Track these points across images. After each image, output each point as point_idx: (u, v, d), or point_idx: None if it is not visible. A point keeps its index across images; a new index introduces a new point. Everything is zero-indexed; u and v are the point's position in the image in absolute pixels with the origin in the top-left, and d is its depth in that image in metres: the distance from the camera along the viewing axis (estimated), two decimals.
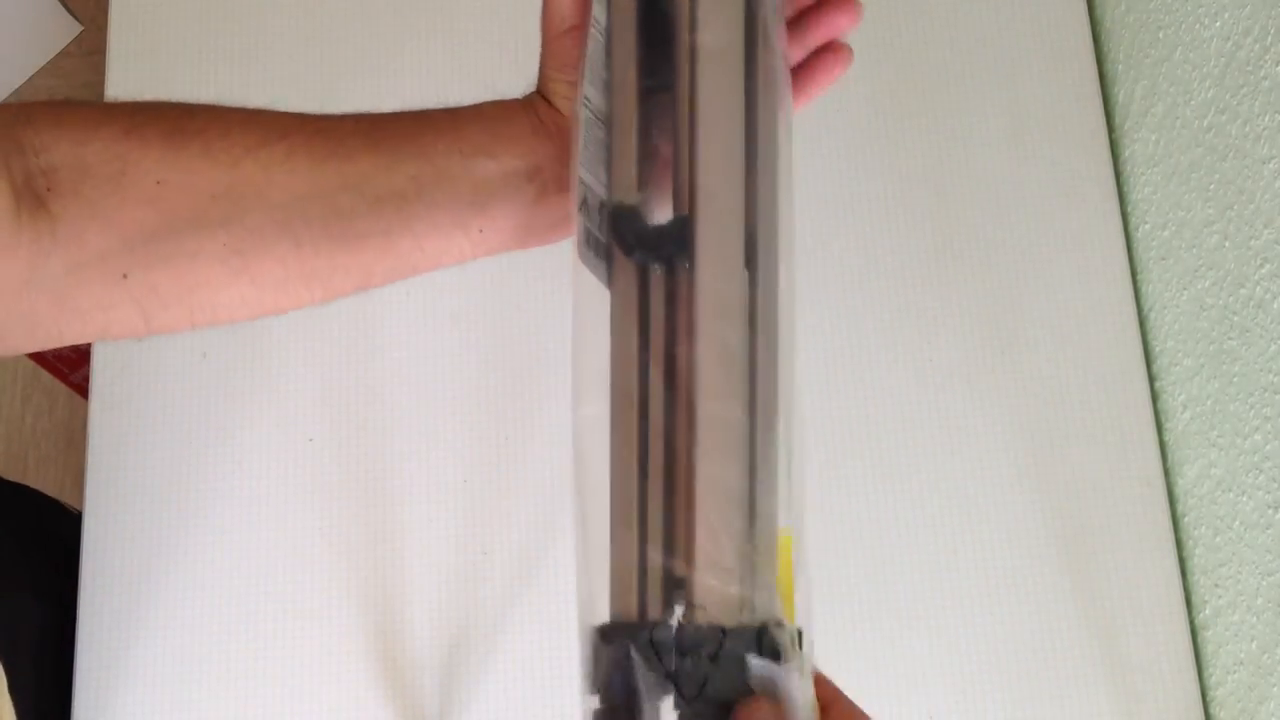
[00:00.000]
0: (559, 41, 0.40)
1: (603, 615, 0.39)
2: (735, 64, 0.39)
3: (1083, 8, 0.70)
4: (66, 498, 0.71)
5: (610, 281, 0.39)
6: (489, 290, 0.66)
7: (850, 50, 0.41)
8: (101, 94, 0.70)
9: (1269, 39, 0.51)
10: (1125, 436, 0.64)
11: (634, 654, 0.38)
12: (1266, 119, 0.52)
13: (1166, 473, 0.63)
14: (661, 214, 0.40)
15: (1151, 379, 0.65)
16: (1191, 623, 0.61)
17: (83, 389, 1.26)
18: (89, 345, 0.66)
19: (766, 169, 0.39)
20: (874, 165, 0.68)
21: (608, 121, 0.40)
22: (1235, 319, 0.56)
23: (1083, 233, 0.67)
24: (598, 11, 0.39)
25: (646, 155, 0.40)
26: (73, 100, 0.39)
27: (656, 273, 0.38)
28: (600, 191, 0.40)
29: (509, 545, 0.63)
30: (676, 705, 0.37)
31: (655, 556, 0.38)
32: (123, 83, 0.71)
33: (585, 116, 0.39)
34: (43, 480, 1.32)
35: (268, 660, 0.61)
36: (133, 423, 0.65)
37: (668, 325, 0.38)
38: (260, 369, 0.65)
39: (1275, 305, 0.52)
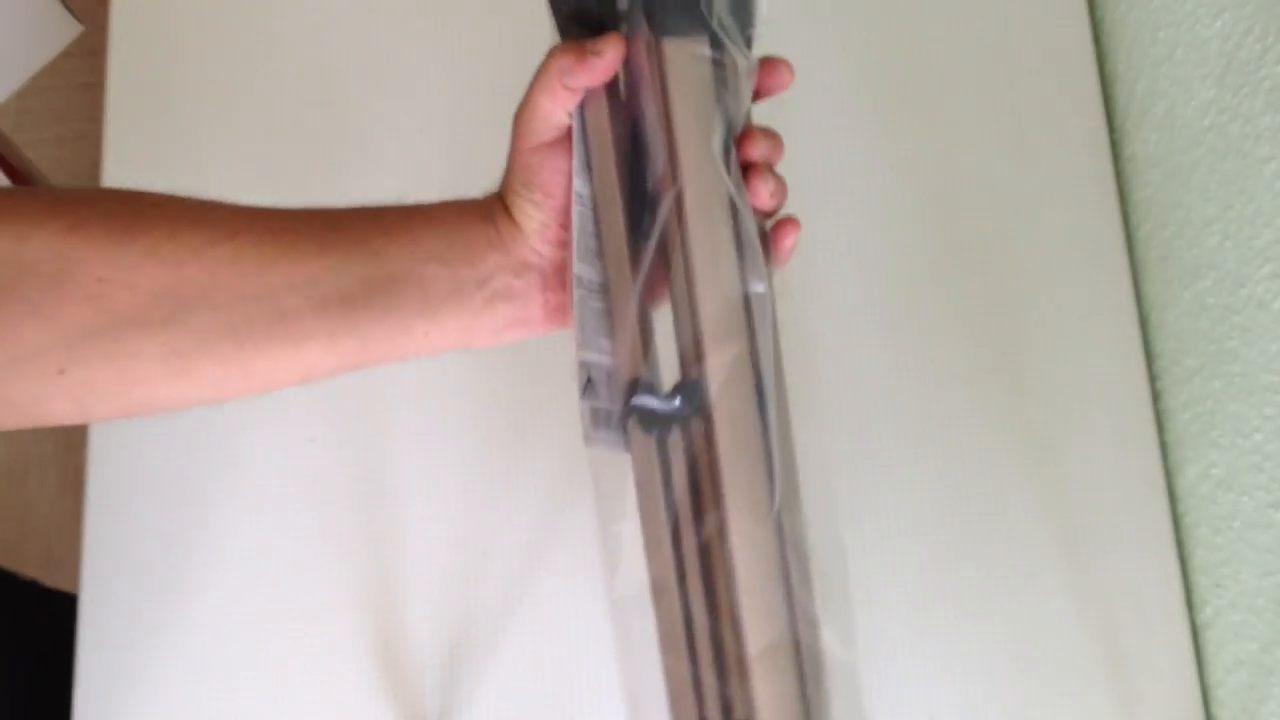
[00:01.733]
0: (530, 156, 0.40)
1: None
2: (722, 220, 0.39)
3: (1083, 8, 0.70)
4: (66, 498, 0.71)
5: (629, 448, 0.40)
6: None
7: (798, 223, 0.42)
8: (101, 94, 0.70)
9: (1269, 39, 0.51)
10: (1125, 436, 0.64)
11: None
12: (1266, 119, 0.52)
13: (1166, 473, 0.63)
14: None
15: (1152, 379, 0.65)
16: (1191, 623, 0.61)
17: None
18: None
19: (761, 315, 0.39)
20: (874, 165, 0.68)
21: (603, 291, 0.40)
22: (1236, 319, 0.55)
23: (1083, 233, 0.67)
24: (579, 186, 0.40)
25: (645, 318, 0.40)
26: (17, 189, 0.38)
27: (674, 438, 0.39)
28: (604, 364, 0.41)
29: (509, 546, 0.63)
30: None
31: (716, 709, 0.39)
32: (123, 83, 0.71)
33: (579, 295, 0.40)
34: (43, 480, 1.32)
35: (267, 660, 0.61)
36: (133, 423, 0.65)
37: (691, 480, 0.39)
38: None
39: (1276, 305, 0.52)
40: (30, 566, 0.76)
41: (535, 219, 0.40)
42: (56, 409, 0.38)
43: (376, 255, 0.40)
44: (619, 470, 0.40)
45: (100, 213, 0.37)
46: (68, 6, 1.43)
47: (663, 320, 0.40)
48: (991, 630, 0.61)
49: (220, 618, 0.62)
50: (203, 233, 0.38)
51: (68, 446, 1.34)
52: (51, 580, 0.76)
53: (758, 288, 0.39)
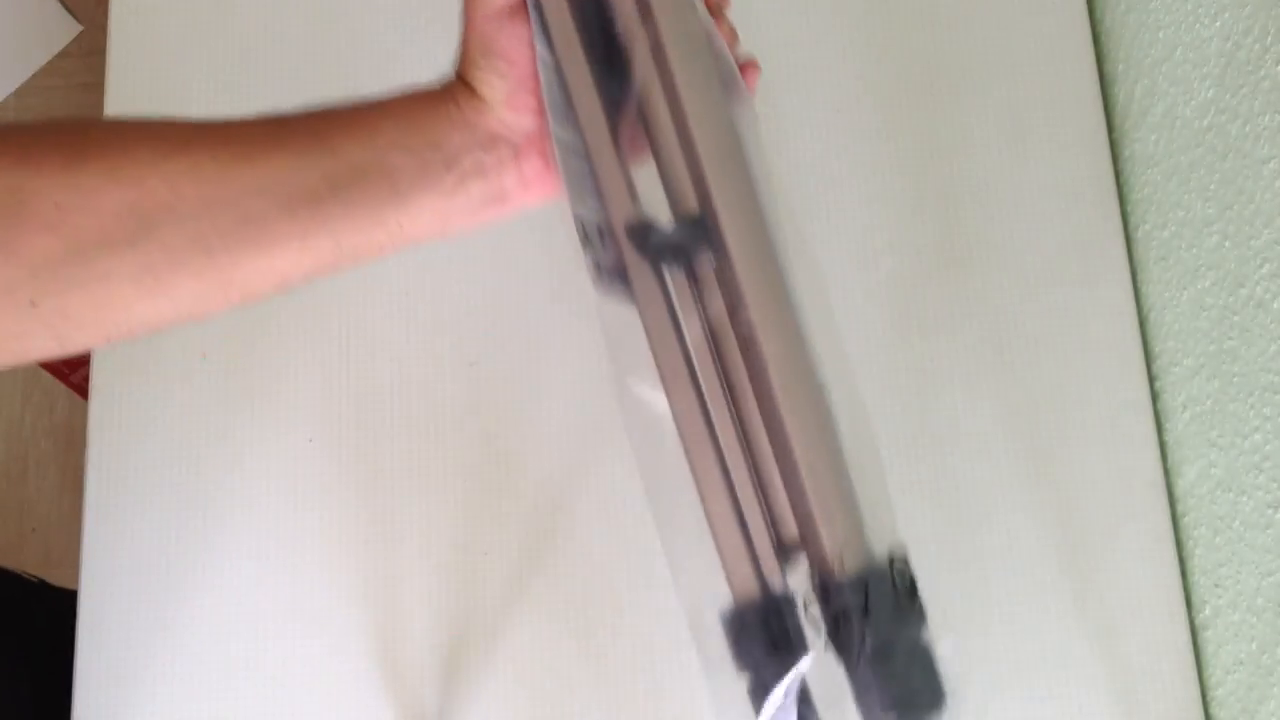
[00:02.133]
0: (486, 24, 0.39)
1: (724, 601, 0.39)
2: (703, 53, 0.40)
3: (1083, 8, 0.70)
4: (66, 498, 0.71)
5: (635, 297, 0.40)
6: (490, 291, 0.66)
7: (759, 66, 0.42)
8: (101, 94, 0.70)
9: (1269, 39, 0.51)
10: (1125, 436, 0.64)
11: (784, 624, 0.39)
12: (1266, 119, 0.52)
13: (1166, 473, 0.63)
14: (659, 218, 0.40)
15: (1151, 379, 0.65)
16: (1191, 623, 0.61)
17: (83, 389, 1.26)
18: None
19: (754, 148, 0.40)
20: (873, 165, 0.68)
21: (583, 151, 0.40)
22: (1235, 319, 0.55)
23: (1083, 233, 0.67)
24: (541, 50, 0.39)
25: (627, 169, 0.40)
26: None
27: (677, 276, 0.39)
28: (596, 218, 0.40)
29: (509, 546, 0.63)
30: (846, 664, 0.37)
31: (763, 532, 0.39)
32: (123, 83, 0.71)
33: (562, 156, 0.39)
34: (42, 480, 1.32)
35: (267, 660, 0.61)
36: (133, 423, 0.65)
37: (701, 315, 0.39)
38: (260, 369, 0.65)
39: (1275, 305, 0.52)
40: (30, 566, 0.76)
41: (499, 89, 0.39)
42: (36, 343, 0.37)
43: (335, 150, 0.39)
44: (630, 320, 0.39)
45: (49, 142, 0.37)
46: (67, 6, 1.43)
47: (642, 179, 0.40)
48: (991, 631, 0.61)
49: (220, 617, 0.62)
50: (157, 148, 0.37)
51: (68, 446, 1.34)
52: (51, 580, 0.76)
53: (747, 118, 0.39)
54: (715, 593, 0.40)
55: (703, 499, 0.40)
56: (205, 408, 0.65)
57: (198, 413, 0.65)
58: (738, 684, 0.40)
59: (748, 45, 0.70)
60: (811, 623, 0.39)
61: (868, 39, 0.70)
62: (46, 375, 1.27)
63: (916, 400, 0.64)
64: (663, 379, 0.40)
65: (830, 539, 0.38)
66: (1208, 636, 0.60)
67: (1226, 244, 0.56)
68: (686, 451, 0.40)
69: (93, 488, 0.64)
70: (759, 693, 0.39)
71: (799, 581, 0.39)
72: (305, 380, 0.65)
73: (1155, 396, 0.64)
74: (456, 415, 0.64)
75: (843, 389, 0.40)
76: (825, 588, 0.38)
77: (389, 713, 0.60)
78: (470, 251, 0.67)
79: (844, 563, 0.38)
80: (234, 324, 0.66)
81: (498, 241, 0.67)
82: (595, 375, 0.65)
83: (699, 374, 0.39)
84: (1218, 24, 0.55)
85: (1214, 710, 0.60)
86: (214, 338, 0.66)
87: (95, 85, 0.69)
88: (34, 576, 0.74)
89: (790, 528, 0.39)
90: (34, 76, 1.44)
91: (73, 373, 1.26)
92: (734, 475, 0.40)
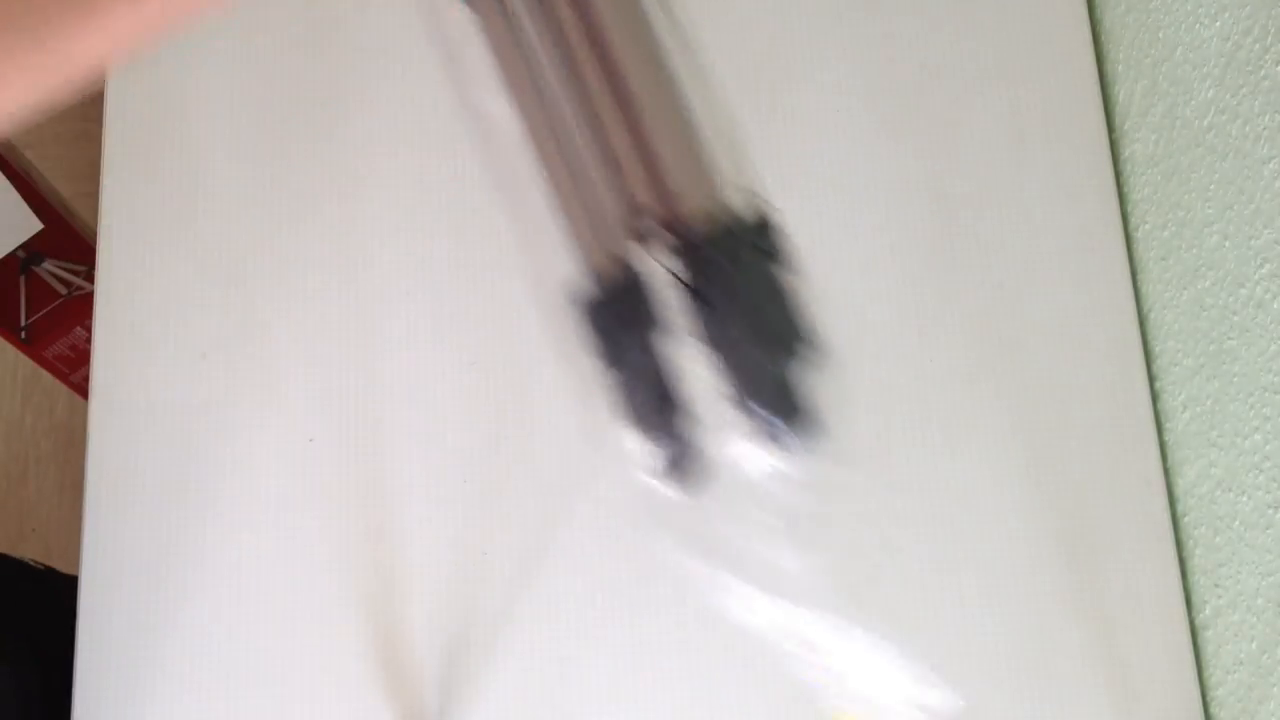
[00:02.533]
0: None
1: (579, 283, 0.38)
2: None
3: (1083, 8, 0.70)
4: (66, 498, 0.71)
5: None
6: (490, 291, 0.66)
7: None
8: (101, 94, 0.70)
9: (1269, 39, 0.51)
10: (1125, 436, 0.64)
11: (641, 295, 0.37)
12: (1266, 119, 0.52)
13: (1166, 473, 0.63)
14: None
15: (1151, 379, 0.65)
16: (1191, 623, 0.61)
17: (83, 389, 1.26)
18: (89, 345, 0.66)
19: None
20: (873, 165, 0.68)
21: None
22: (1235, 319, 0.55)
23: (1083, 233, 0.67)
24: None
25: None
26: None
27: None
28: None
29: (509, 546, 0.63)
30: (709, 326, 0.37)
31: (616, 200, 0.38)
32: (123, 82, 0.71)
33: None
34: (42, 480, 1.32)
35: (267, 660, 0.61)
36: (133, 423, 0.65)
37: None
38: (260, 369, 0.65)
39: (1275, 305, 0.52)
40: None
41: None
42: None
43: None
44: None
45: None
46: None
47: None
48: (991, 630, 0.61)
49: (220, 618, 0.62)
50: None
51: (68, 446, 1.34)
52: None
53: None
54: (569, 276, 0.38)
55: (548, 180, 0.39)
56: (205, 408, 0.65)
57: (198, 413, 0.65)
58: (598, 369, 0.39)
59: (748, 44, 0.70)
60: (669, 279, 0.38)
61: (868, 39, 0.70)
62: (46, 375, 1.27)
63: (917, 400, 0.64)
64: (502, 72, 0.39)
65: (683, 192, 0.37)
66: (1208, 636, 0.60)
67: (1226, 244, 0.56)
68: (527, 135, 0.39)
69: (93, 488, 0.64)
70: (617, 368, 0.38)
71: (656, 248, 0.38)
72: (305, 380, 0.65)
73: (1155, 396, 0.64)
74: (456, 415, 0.64)
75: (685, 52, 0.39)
76: (682, 241, 0.37)
77: (389, 713, 0.60)
78: (471, 251, 0.67)
79: (699, 214, 0.37)
80: (234, 324, 0.66)
81: (498, 241, 0.67)
82: (595, 375, 0.65)
83: (541, 62, 0.38)
84: (1218, 24, 0.55)
85: (1214, 710, 0.60)
86: (214, 338, 0.66)
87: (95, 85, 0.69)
88: (40, 564, 0.74)
89: (643, 194, 0.38)
90: None
91: (73, 373, 1.26)
92: (579, 151, 0.38)
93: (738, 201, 0.38)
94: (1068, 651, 0.61)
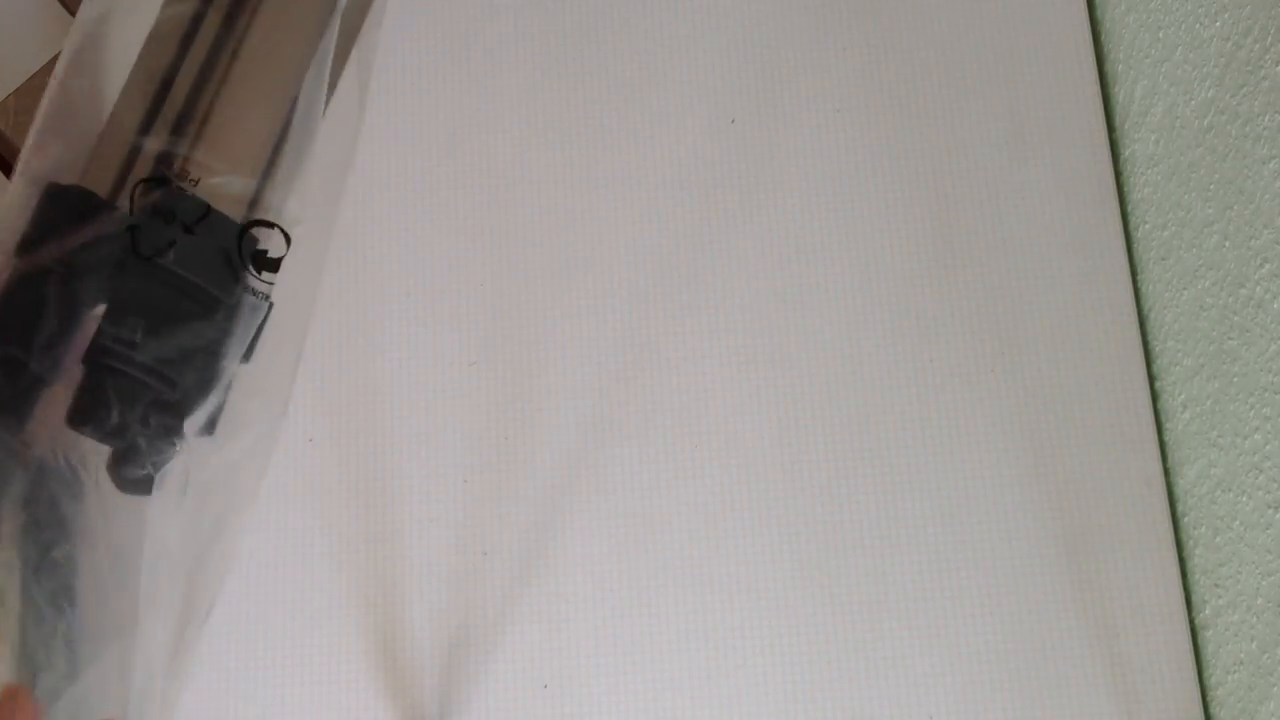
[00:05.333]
0: None
1: (69, 177, 0.37)
2: None
3: (1083, 8, 0.70)
4: None
5: None
6: (490, 291, 0.66)
7: None
8: None
9: (1269, 39, 0.51)
10: (1125, 436, 0.64)
11: (97, 207, 0.36)
12: (1266, 119, 0.52)
13: (1166, 473, 0.63)
14: None
15: (1151, 379, 0.65)
16: (1191, 623, 0.61)
17: None
18: None
19: None
20: (873, 165, 0.68)
21: None
22: (1235, 319, 0.55)
23: (1083, 233, 0.67)
24: None
25: None
26: None
27: None
28: None
29: (509, 546, 0.63)
30: (130, 258, 0.35)
31: (162, 134, 0.36)
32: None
33: None
34: None
35: (267, 660, 0.61)
36: None
37: None
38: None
39: (1275, 305, 0.52)
40: None
41: None
42: None
43: None
44: None
45: None
46: (67, 7, 1.43)
47: None
48: (991, 630, 0.61)
49: (220, 617, 0.62)
50: None
51: None
52: None
53: None
54: (64, 164, 0.37)
55: (133, 70, 0.38)
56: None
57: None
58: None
59: (748, 44, 0.70)
60: (134, 209, 0.36)
61: (867, 39, 0.70)
62: None
63: (916, 400, 0.64)
64: None
65: (208, 156, 0.36)
66: (1208, 636, 0.60)
67: (1226, 244, 0.56)
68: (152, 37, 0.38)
69: None
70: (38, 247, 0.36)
71: (145, 194, 0.37)
72: (305, 380, 0.65)
73: (1155, 396, 0.64)
74: (456, 415, 0.64)
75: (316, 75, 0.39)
76: (171, 193, 0.35)
77: (389, 713, 0.60)
78: (471, 251, 0.67)
79: (207, 190, 0.36)
80: None
81: (499, 241, 0.67)
82: (595, 375, 0.65)
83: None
84: (1218, 24, 0.55)
85: (1214, 710, 0.60)
86: None
87: None
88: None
89: (177, 141, 0.37)
90: (34, 76, 1.44)
91: None
92: (180, 73, 0.37)
93: (246, 221, 0.37)
94: (1068, 651, 0.61)
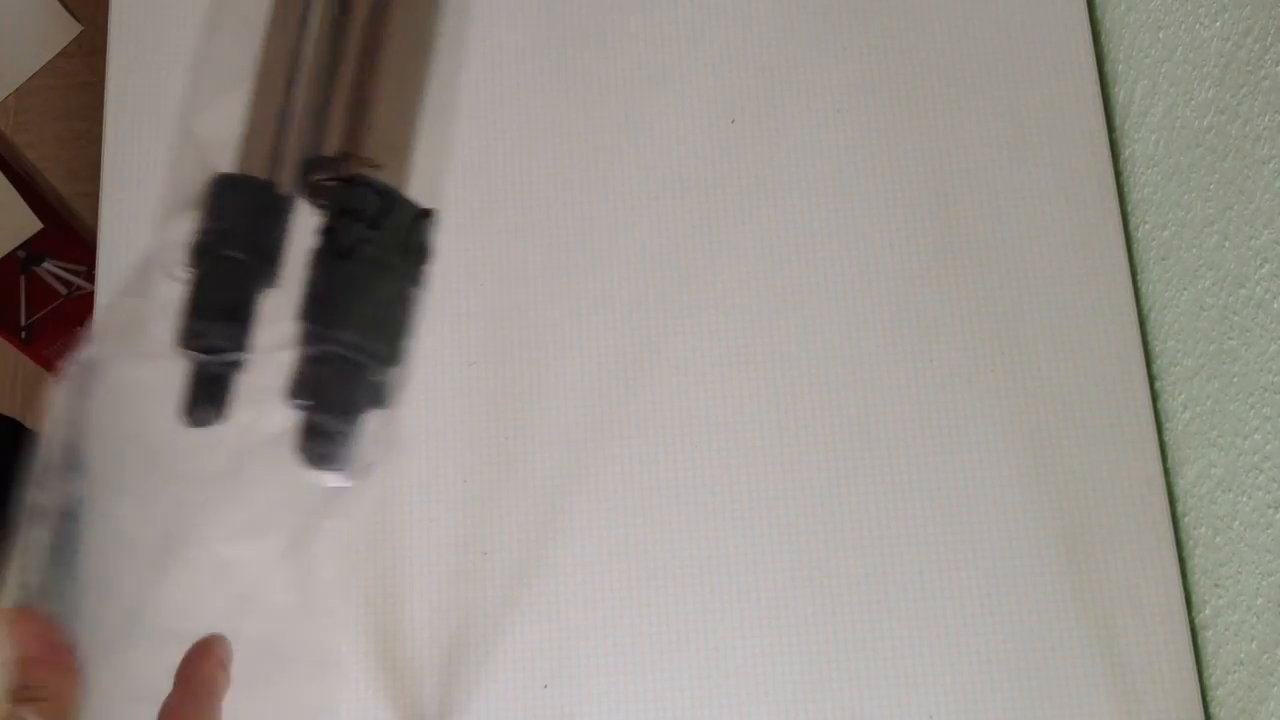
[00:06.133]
0: None
1: (226, 164, 0.38)
2: None
3: (1083, 8, 0.70)
4: None
5: None
6: (491, 291, 0.66)
7: None
8: (101, 94, 0.70)
9: (1269, 39, 0.51)
10: (1125, 436, 0.64)
11: (272, 196, 0.36)
12: (1266, 119, 0.52)
13: (1166, 473, 0.63)
14: None
15: (1151, 379, 0.65)
16: (1191, 623, 0.61)
17: None
18: None
19: None
20: (873, 165, 0.68)
21: None
22: (1235, 319, 0.55)
23: (1083, 233, 0.67)
24: None
25: None
26: None
27: None
28: None
29: (509, 546, 0.63)
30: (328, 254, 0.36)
31: (326, 124, 0.37)
32: (123, 83, 0.71)
33: None
34: None
35: (268, 660, 0.61)
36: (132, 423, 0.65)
37: None
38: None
39: (1275, 305, 0.52)
40: None
41: None
42: None
43: None
44: None
45: None
46: (67, 6, 1.43)
47: None
48: (991, 630, 0.61)
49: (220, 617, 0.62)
50: None
51: None
52: None
53: None
54: (223, 148, 0.38)
55: (261, 64, 0.38)
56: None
57: None
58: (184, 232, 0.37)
59: (748, 44, 0.70)
60: (311, 202, 0.37)
61: (867, 39, 0.70)
62: (46, 375, 1.27)
63: (916, 400, 0.64)
64: None
65: (375, 148, 0.37)
66: (1208, 636, 0.60)
67: (1226, 244, 0.56)
68: (271, 17, 0.38)
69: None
70: (211, 256, 0.37)
71: (314, 192, 0.37)
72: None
73: (1155, 396, 0.64)
74: (457, 415, 0.64)
75: (453, 56, 0.39)
76: (346, 182, 0.36)
77: (389, 713, 0.60)
78: (471, 252, 0.67)
79: (377, 172, 0.37)
80: None
81: (499, 241, 0.67)
82: (595, 375, 0.65)
83: None
84: (1218, 24, 0.55)
85: (1214, 710, 0.60)
86: None
87: (95, 85, 0.69)
88: None
89: (337, 137, 0.37)
90: (34, 76, 1.44)
91: None
92: (304, 59, 0.38)
93: (415, 201, 0.37)
94: (1068, 651, 0.61)
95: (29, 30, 1.44)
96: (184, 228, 0.38)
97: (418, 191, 0.38)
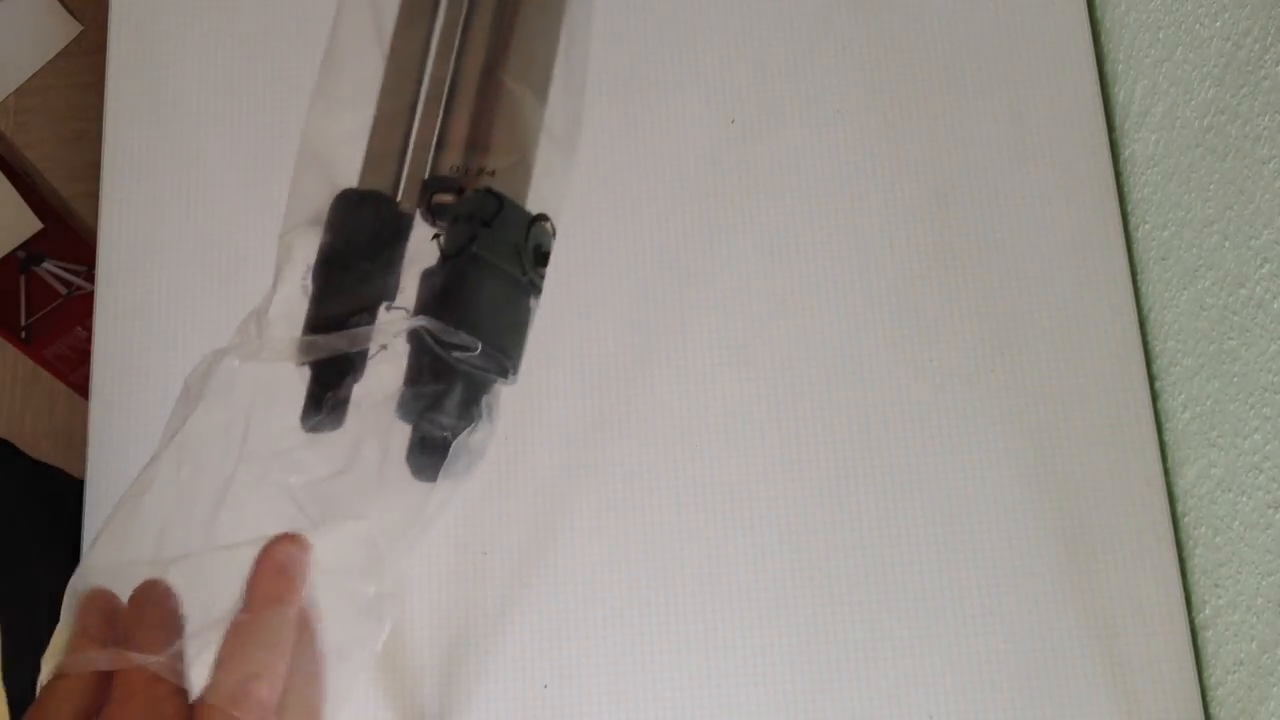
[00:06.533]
0: None
1: (348, 179, 0.38)
2: None
3: (1083, 8, 0.70)
4: None
5: None
6: None
7: None
8: (101, 94, 0.70)
9: (1269, 39, 0.51)
10: (1125, 436, 0.64)
11: (393, 211, 0.37)
12: (1266, 119, 0.52)
13: (1166, 473, 0.63)
14: None
15: (1151, 379, 0.65)
16: (1191, 623, 0.61)
17: (83, 389, 1.26)
18: (89, 345, 0.66)
19: None
20: (873, 165, 0.68)
21: None
22: (1235, 319, 0.55)
23: (1083, 233, 0.67)
24: None
25: None
26: None
27: None
28: None
29: (509, 545, 0.63)
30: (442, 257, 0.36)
31: (424, 143, 0.38)
32: (123, 83, 0.71)
33: None
34: None
35: None
36: (133, 423, 0.65)
37: None
38: (260, 369, 0.65)
39: (1275, 305, 0.52)
40: None
41: None
42: None
43: None
44: None
45: None
46: (67, 6, 1.43)
47: None
48: (991, 630, 0.61)
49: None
50: None
51: (68, 446, 1.34)
52: None
53: None
54: (345, 167, 0.38)
55: (387, 82, 0.38)
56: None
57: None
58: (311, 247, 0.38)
59: (748, 44, 0.70)
60: (428, 216, 0.38)
61: (867, 39, 0.70)
62: (46, 375, 1.27)
63: (916, 400, 0.64)
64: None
65: (493, 158, 0.37)
66: (1208, 636, 0.60)
67: (1226, 244, 0.56)
68: (397, 32, 0.39)
69: (93, 488, 0.64)
70: (336, 266, 0.37)
71: (436, 203, 0.38)
72: (305, 380, 0.65)
73: (1155, 396, 0.64)
74: None
75: (576, 72, 0.40)
76: (461, 190, 0.37)
77: (389, 713, 0.60)
78: None
79: (494, 180, 0.37)
80: (233, 324, 0.66)
81: None
82: (595, 375, 0.65)
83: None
84: (1218, 24, 0.55)
85: (1214, 710, 0.60)
86: (214, 338, 0.66)
87: (95, 85, 0.69)
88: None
89: (456, 153, 0.38)
90: (34, 76, 1.44)
91: (72, 373, 1.26)
92: (429, 75, 0.38)
93: (534, 214, 0.38)
94: (1068, 651, 0.61)
95: (29, 30, 1.44)
96: (307, 240, 0.38)
97: (536, 200, 0.39)
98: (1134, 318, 0.65)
